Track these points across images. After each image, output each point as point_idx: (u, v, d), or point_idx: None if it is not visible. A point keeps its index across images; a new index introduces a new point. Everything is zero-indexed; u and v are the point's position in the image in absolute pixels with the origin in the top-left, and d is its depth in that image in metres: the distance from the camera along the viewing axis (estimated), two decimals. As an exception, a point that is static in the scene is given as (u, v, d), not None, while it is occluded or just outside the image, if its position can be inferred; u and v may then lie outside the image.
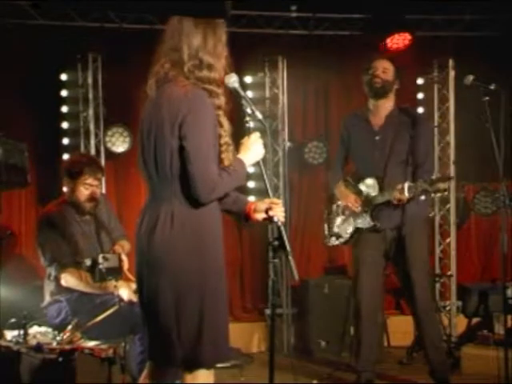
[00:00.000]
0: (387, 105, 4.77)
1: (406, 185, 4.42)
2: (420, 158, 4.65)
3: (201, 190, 2.73)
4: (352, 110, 6.57)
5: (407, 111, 4.81)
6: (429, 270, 4.91)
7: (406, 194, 4.41)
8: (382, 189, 4.66)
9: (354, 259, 4.87)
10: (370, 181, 4.72)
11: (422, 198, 4.67)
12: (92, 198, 4.52)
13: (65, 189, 4.64)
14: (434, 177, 4.45)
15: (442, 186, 4.36)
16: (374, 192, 4.70)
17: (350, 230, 4.82)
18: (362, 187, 4.77)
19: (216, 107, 2.81)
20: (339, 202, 4.94)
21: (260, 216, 3.00)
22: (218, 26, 2.88)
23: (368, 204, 4.70)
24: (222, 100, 2.84)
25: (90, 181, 4.49)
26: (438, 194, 4.40)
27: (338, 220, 4.93)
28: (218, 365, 2.90)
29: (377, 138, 4.75)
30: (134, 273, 2.95)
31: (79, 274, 4.37)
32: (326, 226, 5.04)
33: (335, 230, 4.94)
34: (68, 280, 4.37)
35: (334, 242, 4.98)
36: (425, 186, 4.38)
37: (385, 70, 4.72)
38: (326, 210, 5.08)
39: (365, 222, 4.72)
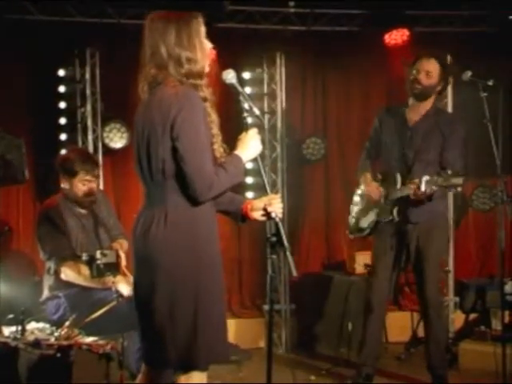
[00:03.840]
0: (426, 105, 4.71)
1: (424, 179, 4.30)
2: (448, 161, 4.57)
3: (198, 189, 2.73)
4: (350, 106, 6.67)
5: (443, 112, 4.77)
6: (442, 269, 4.89)
7: (423, 188, 4.28)
8: (404, 184, 4.59)
9: (373, 252, 4.88)
10: (393, 175, 4.66)
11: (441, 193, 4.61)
12: (89, 193, 4.53)
13: (62, 184, 4.63)
14: (449, 171, 4.31)
15: (455, 181, 4.23)
16: (396, 186, 4.64)
17: (370, 222, 4.79)
18: (387, 180, 4.72)
19: (202, 100, 2.80)
20: (361, 192, 4.91)
21: (257, 214, 2.99)
22: (191, 17, 2.86)
23: (388, 197, 4.65)
24: (206, 92, 2.83)
25: (87, 177, 4.50)
26: (453, 190, 4.33)
27: (360, 212, 4.90)
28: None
29: (409, 133, 4.69)
30: (132, 274, 2.96)
31: (78, 268, 4.38)
32: (350, 218, 5.00)
33: (357, 222, 4.91)
34: (67, 274, 4.38)
35: (355, 234, 4.96)
36: (440, 181, 4.26)
37: (428, 73, 4.60)
38: (353, 200, 5.04)
39: (384, 214, 4.68)
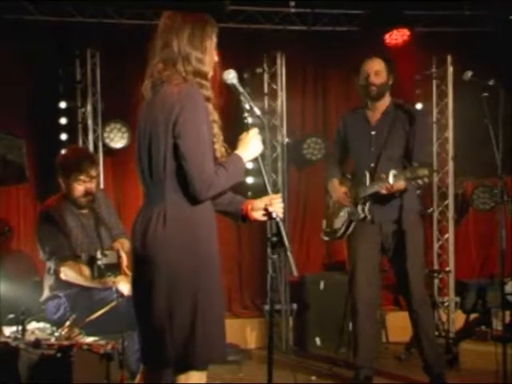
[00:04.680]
0: (384, 102, 4.78)
1: (391, 172, 4.39)
2: (414, 153, 4.63)
3: (198, 188, 2.73)
4: (350, 106, 6.65)
5: (403, 107, 4.83)
6: (423, 265, 4.91)
7: (391, 181, 4.38)
8: (372, 181, 4.65)
9: (349, 253, 4.87)
10: (363, 174, 4.70)
11: (417, 191, 4.74)
12: (87, 193, 4.52)
13: (61, 184, 4.63)
14: (415, 164, 4.42)
15: (420, 172, 4.30)
16: (365, 184, 4.69)
17: (343, 223, 4.82)
18: (356, 180, 4.77)
19: (205, 99, 2.81)
20: (332, 198, 4.95)
21: (258, 214, 2.98)
22: (206, 22, 2.89)
23: (358, 196, 4.69)
24: (210, 92, 2.85)
25: (82, 177, 4.48)
26: (420, 182, 4.36)
27: (334, 215, 4.93)
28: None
29: (373, 132, 4.76)
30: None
31: (79, 268, 4.38)
32: (324, 221, 5.04)
33: (331, 225, 4.93)
34: (67, 274, 4.37)
35: (330, 237, 4.98)
36: (408, 174, 4.35)
37: (377, 72, 4.70)
38: (325, 205, 5.08)
39: (355, 214, 4.71)
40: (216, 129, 2.86)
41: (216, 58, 2.92)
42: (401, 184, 4.41)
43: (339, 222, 4.87)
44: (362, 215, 4.68)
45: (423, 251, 4.87)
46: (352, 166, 4.97)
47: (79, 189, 4.50)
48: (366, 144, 4.76)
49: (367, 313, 4.75)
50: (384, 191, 4.47)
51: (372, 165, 4.69)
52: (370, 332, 4.82)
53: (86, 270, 4.37)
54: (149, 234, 2.77)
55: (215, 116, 2.86)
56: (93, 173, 4.56)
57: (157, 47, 2.86)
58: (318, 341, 6.05)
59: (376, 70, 4.70)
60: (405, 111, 4.78)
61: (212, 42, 2.89)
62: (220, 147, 2.86)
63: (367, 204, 4.66)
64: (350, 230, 4.80)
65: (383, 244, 4.74)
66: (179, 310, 2.74)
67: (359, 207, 4.69)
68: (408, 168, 4.43)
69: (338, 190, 4.83)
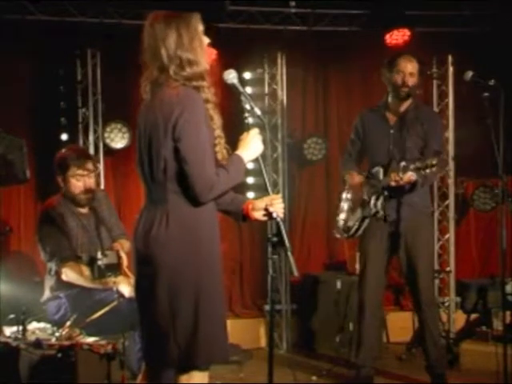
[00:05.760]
0: (407, 102, 4.77)
1: (401, 164, 4.42)
2: (432, 154, 4.62)
3: (199, 190, 2.74)
4: (350, 105, 6.67)
5: (422, 107, 4.84)
6: (433, 264, 4.92)
7: (401, 173, 4.41)
8: (385, 176, 4.65)
9: (360, 253, 4.87)
10: (376, 169, 4.70)
11: (424, 190, 4.72)
12: (86, 189, 4.52)
13: (60, 184, 4.63)
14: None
15: (429, 161, 4.33)
16: (378, 179, 4.69)
17: (357, 221, 4.80)
18: (372, 178, 4.75)
19: (204, 101, 2.80)
20: (348, 194, 4.92)
21: (259, 214, 2.98)
22: (190, 18, 2.86)
23: (371, 190, 4.68)
24: (208, 93, 2.84)
25: (79, 172, 4.49)
26: (428, 171, 4.38)
27: (348, 212, 4.91)
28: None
29: (392, 131, 4.75)
30: (133, 273, 2.97)
31: (79, 269, 4.38)
32: (338, 217, 4.99)
33: (345, 222, 4.91)
34: (68, 274, 4.38)
35: (343, 234, 4.96)
36: (417, 164, 4.37)
37: (412, 73, 4.69)
38: (338, 200, 5.05)
39: (368, 209, 4.70)
40: (218, 131, 2.85)
41: (207, 41, 2.89)
42: (410, 175, 4.42)
43: (354, 218, 4.84)
44: (374, 210, 4.66)
45: (433, 252, 4.87)
46: (368, 166, 4.92)
47: (78, 185, 4.50)
48: (384, 143, 4.75)
49: (374, 312, 4.77)
50: (393, 183, 4.48)
51: (393, 165, 4.66)
52: (374, 331, 4.85)
53: (87, 271, 4.37)
54: (151, 236, 2.77)
55: (216, 117, 2.86)
56: (89, 166, 4.55)
57: (147, 58, 2.85)
58: (318, 341, 6.04)
59: (411, 71, 4.70)
60: (423, 111, 4.79)
61: (200, 34, 2.86)
62: (221, 149, 2.86)
63: (380, 199, 4.65)
64: (362, 229, 4.78)
65: (394, 243, 4.73)
66: (182, 310, 2.75)
67: (372, 202, 4.67)
68: (417, 159, 4.44)
69: (354, 178, 4.80)
